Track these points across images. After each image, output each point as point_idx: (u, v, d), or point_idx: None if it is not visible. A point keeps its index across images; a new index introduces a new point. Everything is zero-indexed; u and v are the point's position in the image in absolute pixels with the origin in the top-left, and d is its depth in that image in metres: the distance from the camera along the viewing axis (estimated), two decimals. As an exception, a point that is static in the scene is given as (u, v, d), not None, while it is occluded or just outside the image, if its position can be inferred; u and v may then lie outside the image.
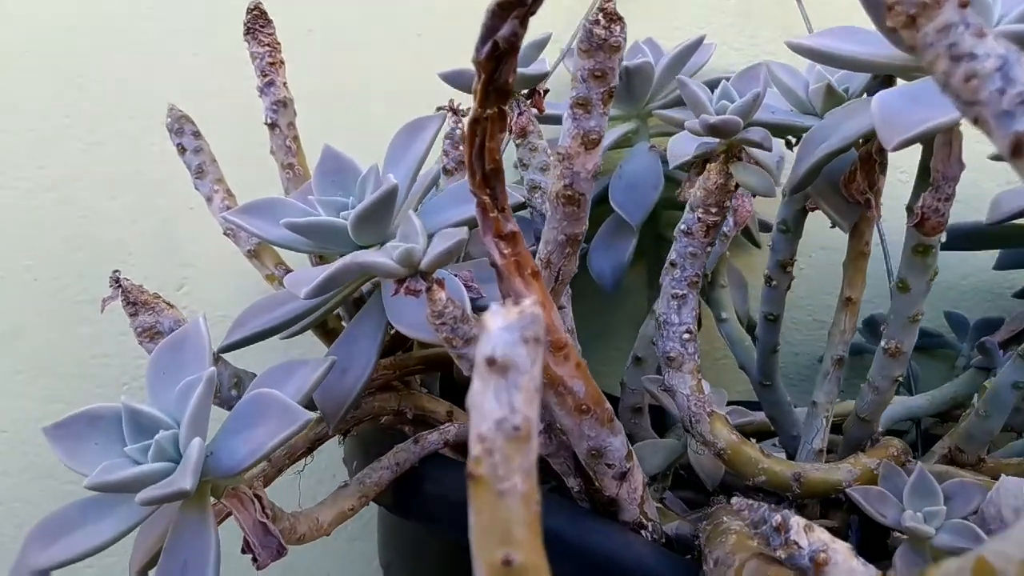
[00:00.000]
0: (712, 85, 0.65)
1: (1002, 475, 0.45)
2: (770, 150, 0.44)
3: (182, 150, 0.60)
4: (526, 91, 0.52)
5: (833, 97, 0.48)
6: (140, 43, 0.79)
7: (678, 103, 0.68)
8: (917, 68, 0.42)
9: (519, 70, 0.52)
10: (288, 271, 0.59)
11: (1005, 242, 0.66)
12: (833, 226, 0.53)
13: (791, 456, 0.56)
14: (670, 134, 0.73)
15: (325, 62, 0.80)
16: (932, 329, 0.76)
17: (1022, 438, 0.59)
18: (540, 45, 0.54)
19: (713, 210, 0.46)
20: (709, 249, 0.48)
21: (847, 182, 0.46)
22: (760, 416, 0.61)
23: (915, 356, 0.76)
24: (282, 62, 0.59)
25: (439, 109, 0.64)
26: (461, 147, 0.63)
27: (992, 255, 0.72)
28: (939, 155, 0.42)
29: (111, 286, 0.46)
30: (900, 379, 0.50)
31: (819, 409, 0.53)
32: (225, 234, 0.59)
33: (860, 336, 0.76)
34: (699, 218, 0.46)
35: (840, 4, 0.78)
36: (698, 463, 0.57)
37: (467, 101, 0.44)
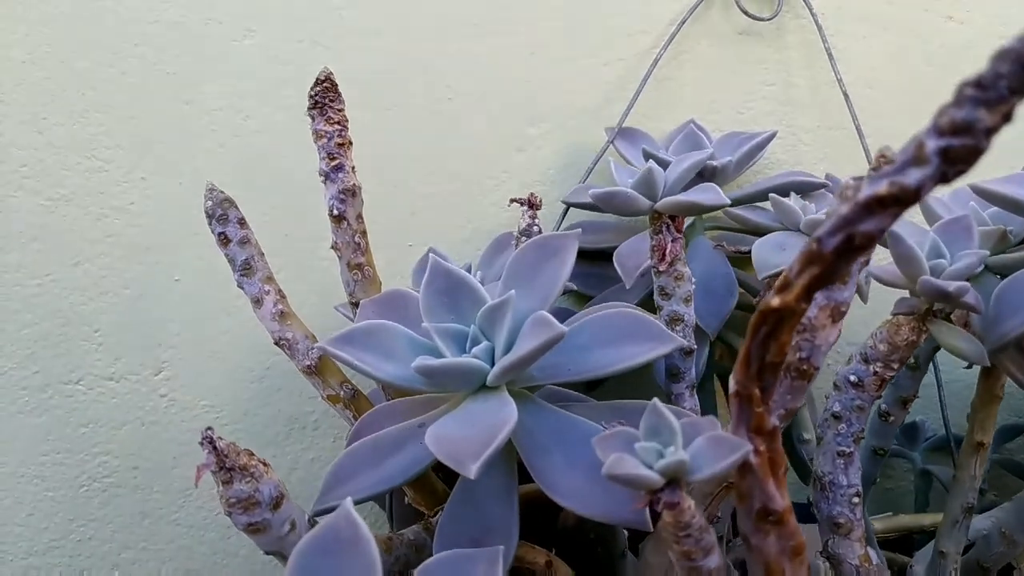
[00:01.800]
0: (782, 191, 0.61)
1: None
2: (981, 313, 0.40)
3: (224, 240, 0.50)
4: (672, 220, 0.46)
5: (1004, 241, 0.46)
6: (115, 82, 0.67)
7: (749, 199, 0.64)
8: None
9: (693, 198, 0.46)
10: (355, 390, 0.51)
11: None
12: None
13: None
14: (723, 227, 0.70)
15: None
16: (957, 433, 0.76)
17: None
18: (696, 168, 0.49)
19: (895, 366, 0.42)
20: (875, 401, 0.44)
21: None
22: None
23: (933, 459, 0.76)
24: (351, 142, 0.51)
25: (513, 202, 0.57)
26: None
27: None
28: None
29: (203, 447, 0.36)
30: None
31: (948, 560, 0.50)
32: (278, 344, 0.50)
33: (896, 442, 0.74)
34: (876, 372, 0.42)
35: (878, 96, 0.78)
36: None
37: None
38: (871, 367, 0.42)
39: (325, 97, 0.50)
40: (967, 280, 0.47)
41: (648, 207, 0.47)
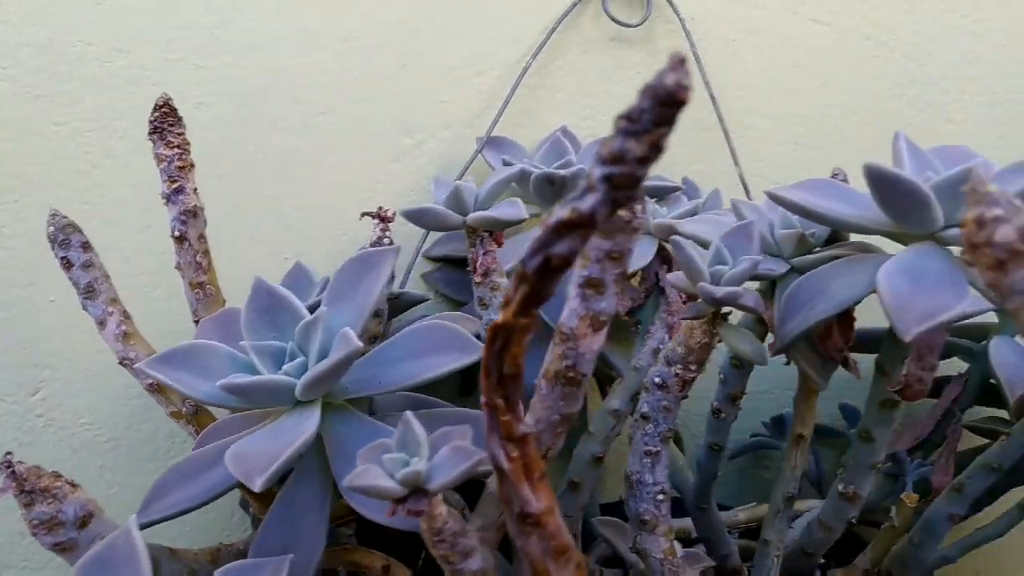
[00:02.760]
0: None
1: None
2: (764, 314, 0.43)
3: (67, 264, 0.51)
4: (488, 233, 0.48)
5: (803, 244, 0.48)
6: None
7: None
8: (908, 234, 0.42)
9: (492, 214, 0.48)
10: (196, 407, 0.52)
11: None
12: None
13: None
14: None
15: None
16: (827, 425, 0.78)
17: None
18: (508, 181, 0.51)
19: (693, 367, 0.44)
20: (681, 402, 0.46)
21: (822, 338, 0.45)
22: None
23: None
24: (192, 165, 0.52)
25: (364, 215, 0.59)
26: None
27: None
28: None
29: (2, 471, 0.38)
30: (853, 519, 0.51)
31: (771, 548, 0.52)
32: (122, 363, 0.51)
33: (765, 433, 0.77)
34: (677, 373, 0.44)
35: (748, 98, 0.80)
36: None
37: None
38: (672, 369, 0.45)
39: (164, 122, 0.51)
40: (763, 281, 0.50)
41: (460, 222, 0.49)
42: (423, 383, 0.43)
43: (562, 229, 0.27)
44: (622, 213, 0.34)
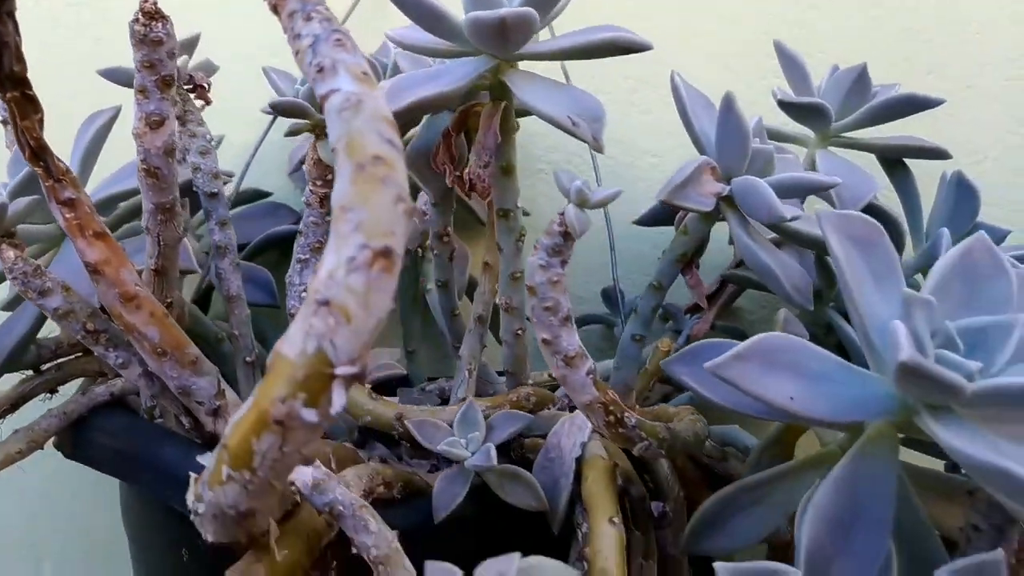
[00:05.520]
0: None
1: (569, 412, 0.52)
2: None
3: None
4: (189, 86, 0.58)
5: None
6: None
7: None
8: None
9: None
10: None
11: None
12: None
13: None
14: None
15: None
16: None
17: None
18: (190, 44, 0.61)
19: (319, 183, 0.53)
20: (328, 218, 0.54)
21: (434, 155, 0.52)
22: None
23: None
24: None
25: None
26: None
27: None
28: (482, 126, 0.48)
29: None
30: (520, 331, 0.57)
31: (463, 362, 0.59)
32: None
33: (602, 306, 0.82)
34: (311, 190, 0.53)
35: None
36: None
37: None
38: (309, 187, 0.53)
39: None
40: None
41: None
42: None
43: None
44: (138, 29, 0.44)
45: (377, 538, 0.37)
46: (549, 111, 0.43)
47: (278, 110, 0.49)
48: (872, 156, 0.72)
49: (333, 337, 0.26)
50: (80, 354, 0.61)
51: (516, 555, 0.26)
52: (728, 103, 0.47)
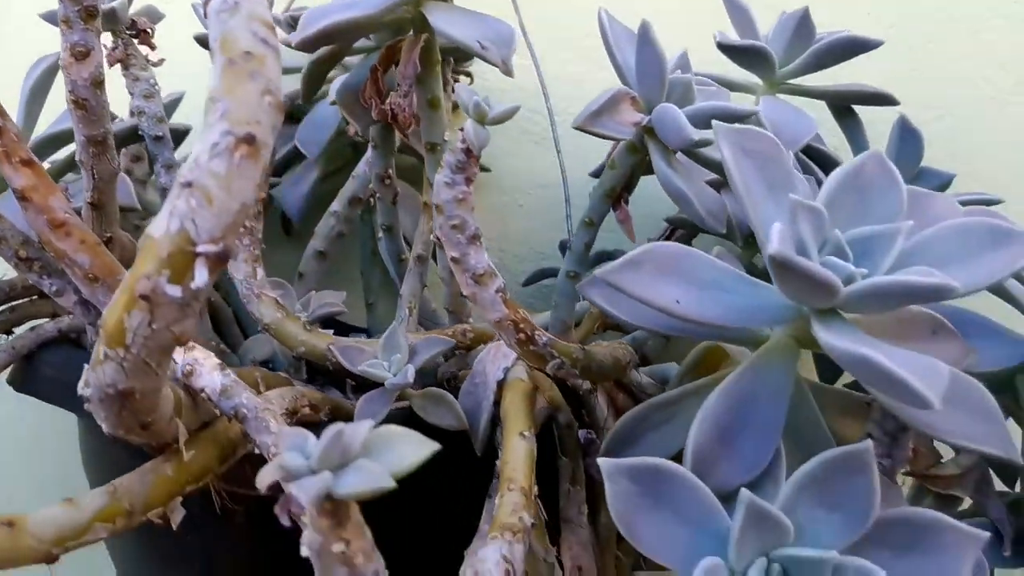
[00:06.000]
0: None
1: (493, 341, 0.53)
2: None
3: None
4: (132, 31, 0.60)
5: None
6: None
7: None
8: None
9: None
10: None
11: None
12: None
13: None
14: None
15: None
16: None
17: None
18: None
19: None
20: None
21: (363, 90, 0.53)
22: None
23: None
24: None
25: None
26: None
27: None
28: (403, 58, 0.50)
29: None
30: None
31: (403, 300, 0.60)
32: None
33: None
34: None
35: None
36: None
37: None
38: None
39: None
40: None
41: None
42: None
43: None
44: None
45: (277, 438, 0.38)
46: (459, 35, 0.44)
47: (202, 44, 0.50)
48: (824, 105, 0.73)
49: (195, 217, 0.27)
50: (35, 296, 0.63)
51: (369, 422, 0.27)
52: (644, 33, 0.48)
